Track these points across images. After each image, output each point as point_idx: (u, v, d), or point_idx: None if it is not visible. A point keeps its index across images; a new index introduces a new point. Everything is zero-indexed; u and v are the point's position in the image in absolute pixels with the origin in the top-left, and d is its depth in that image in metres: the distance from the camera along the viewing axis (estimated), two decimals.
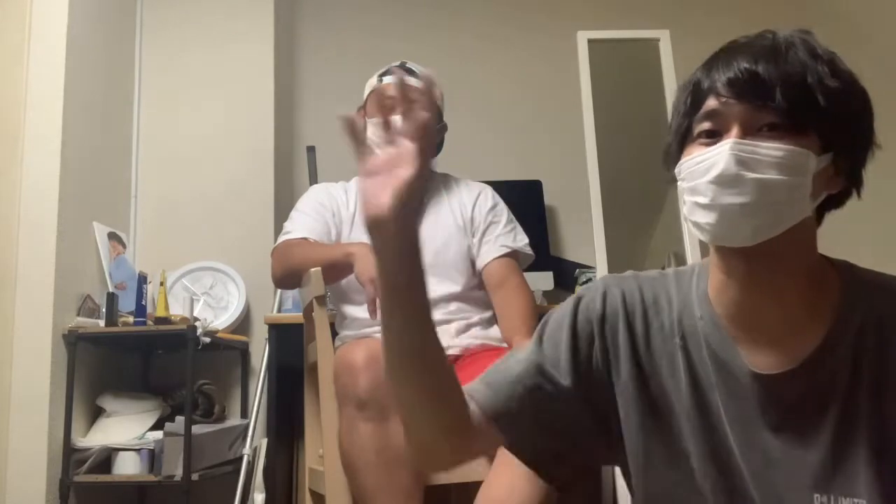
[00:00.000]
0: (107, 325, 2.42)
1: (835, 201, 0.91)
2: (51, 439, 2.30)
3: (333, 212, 2.03)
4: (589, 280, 2.73)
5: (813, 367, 0.87)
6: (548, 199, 2.96)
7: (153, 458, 2.35)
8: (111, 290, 2.53)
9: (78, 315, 2.44)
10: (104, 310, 2.46)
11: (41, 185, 2.40)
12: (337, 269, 1.81)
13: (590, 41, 2.73)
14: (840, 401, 0.86)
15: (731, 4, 3.30)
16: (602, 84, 2.67)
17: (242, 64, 2.98)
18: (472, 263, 2.02)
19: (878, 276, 0.92)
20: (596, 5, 3.28)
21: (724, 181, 0.83)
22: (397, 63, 2.10)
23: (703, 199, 0.85)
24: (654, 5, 3.25)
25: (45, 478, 2.27)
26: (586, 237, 2.75)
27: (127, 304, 2.51)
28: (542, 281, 2.70)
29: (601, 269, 2.52)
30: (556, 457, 0.98)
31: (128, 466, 2.35)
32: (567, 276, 2.88)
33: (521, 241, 2.06)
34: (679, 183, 0.90)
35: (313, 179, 2.79)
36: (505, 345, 1.92)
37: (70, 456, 2.32)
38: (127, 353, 2.74)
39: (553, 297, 2.83)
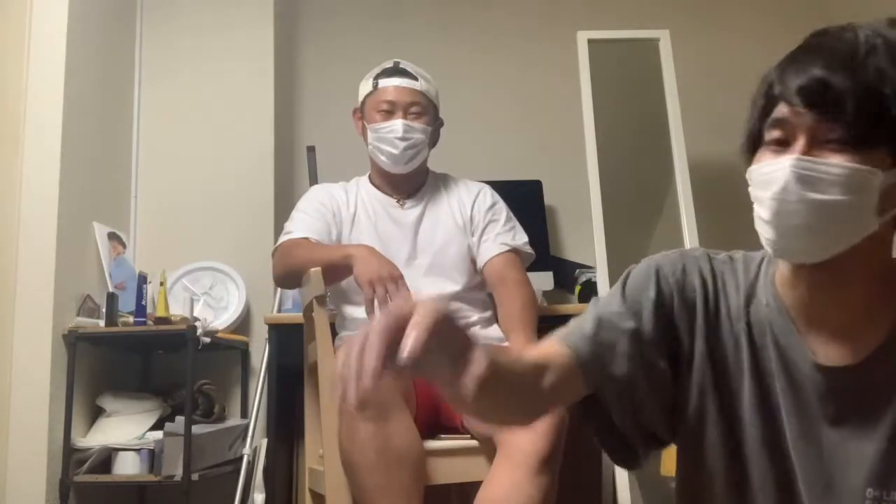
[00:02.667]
0: (107, 325, 2.42)
1: None
2: (51, 439, 2.29)
3: (334, 212, 2.04)
4: (589, 280, 2.73)
5: (875, 364, 0.87)
6: (548, 199, 2.96)
7: (153, 458, 2.35)
8: (111, 290, 2.53)
9: (78, 315, 2.44)
10: (104, 310, 2.46)
11: (41, 185, 2.40)
12: (336, 271, 1.81)
13: (590, 41, 2.73)
14: None
15: (731, 4, 3.30)
16: (602, 84, 2.67)
17: (242, 64, 2.98)
18: (473, 263, 2.02)
19: None
20: (596, 5, 3.27)
21: (783, 199, 0.81)
22: (390, 64, 2.09)
23: (764, 214, 0.83)
24: (654, 5, 3.25)
25: (45, 478, 2.27)
26: (586, 237, 2.75)
27: (127, 304, 2.50)
28: (542, 281, 2.70)
29: (601, 269, 2.52)
30: (631, 418, 0.95)
31: (128, 466, 2.35)
32: (567, 276, 2.88)
33: (521, 239, 2.06)
34: (749, 188, 0.88)
35: (313, 179, 2.79)
36: (505, 344, 1.92)
37: (70, 456, 2.32)
38: (127, 353, 2.74)
39: (553, 298, 2.82)
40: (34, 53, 2.48)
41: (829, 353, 0.89)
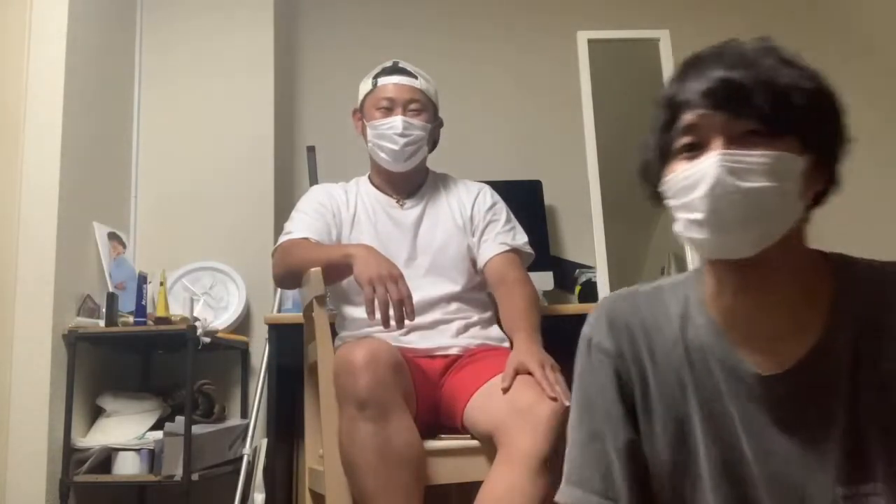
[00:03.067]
0: (107, 325, 2.42)
1: (818, 199, 0.91)
2: (51, 439, 2.29)
3: (334, 212, 2.04)
4: (589, 280, 2.73)
5: (815, 363, 0.87)
6: (548, 199, 2.96)
7: (153, 458, 2.35)
8: (111, 290, 2.53)
9: (78, 315, 2.44)
10: (104, 310, 2.46)
11: (41, 185, 2.40)
12: (336, 270, 1.81)
13: (590, 41, 2.73)
14: (846, 392, 0.86)
15: (730, 4, 3.30)
16: (602, 84, 2.68)
17: (242, 64, 2.98)
18: (473, 263, 2.02)
19: (871, 263, 0.92)
20: (596, 5, 3.28)
21: (715, 194, 0.82)
22: (389, 63, 2.10)
23: (697, 215, 0.84)
24: (654, 5, 3.25)
25: (45, 478, 2.27)
26: (586, 237, 2.75)
27: (127, 304, 2.50)
28: (542, 281, 2.70)
29: (601, 269, 2.52)
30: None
31: (128, 466, 2.35)
32: (567, 276, 2.88)
33: (521, 239, 2.06)
34: (667, 201, 0.89)
35: (313, 179, 2.79)
36: (505, 344, 1.92)
37: (70, 456, 2.32)
38: (127, 353, 2.74)
39: (553, 298, 2.82)
40: (34, 53, 2.48)
41: (768, 361, 0.89)
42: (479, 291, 2.03)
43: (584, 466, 0.97)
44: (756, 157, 0.82)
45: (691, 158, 0.85)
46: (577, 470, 0.98)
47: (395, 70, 2.07)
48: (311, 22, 3.31)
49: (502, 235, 2.03)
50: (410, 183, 2.10)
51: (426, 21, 3.30)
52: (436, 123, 2.11)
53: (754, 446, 0.89)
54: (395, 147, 2.00)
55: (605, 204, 2.55)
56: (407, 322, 1.70)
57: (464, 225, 2.04)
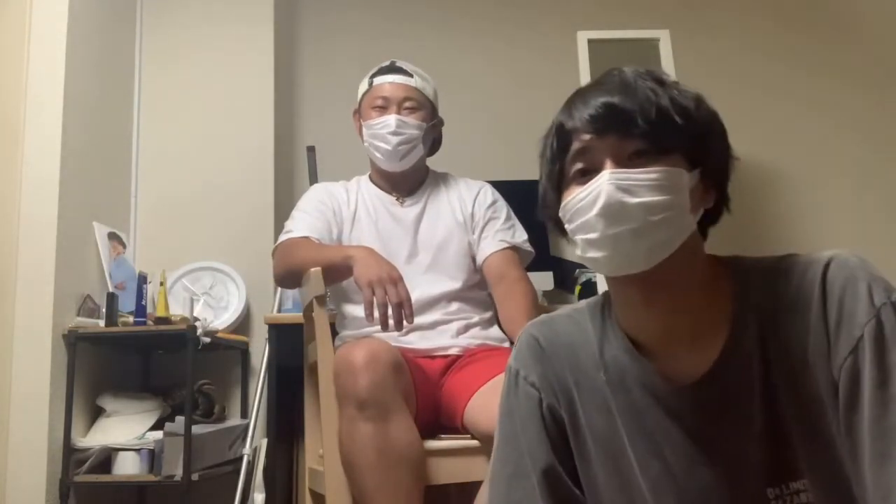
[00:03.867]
0: (107, 325, 2.42)
1: (711, 217, 0.94)
2: (51, 439, 2.29)
3: (334, 210, 2.04)
4: (589, 280, 2.73)
5: (725, 367, 0.89)
6: None
7: (153, 458, 2.35)
8: (111, 290, 2.53)
9: (78, 315, 2.44)
10: (104, 310, 2.46)
11: (41, 185, 2.41)
12: (337, 272, 1.81)
13: (590, 41, 2.73)
14: (759, 391, 0.88)
15: (730, 4, 3.30)
16: None
17: (242, 64, 2.98)
18: (473, 261, 2.02)
19: (761, 262, 0.94)
20: (596, 5, 3.28)
21: (609, 211, 0.85)
22: (386, 63, 2.09)
23: (593, 235, 0.87)
24: (654, 5, 3.25)
25: (45, 478, 2.27)
26: None
27: (127, 304, 2.50)
28: (542, 281, 2.70)
29: None
30: None
31: (128, 466, 2.35)
32: (567, 276, 2.88)
33: (521, 237, 2.06)
34: (566, 226, 0.92)
35: (313, 179, 2.79)
36: (505, 344, 1.92)
37: (70, 456, 2.32)
38: (127, 353, 2.74)
39: (553, 298, 2.82)
40: (34, 53, 2.48)
41: (680, 372, 0.91)
42: (479, 290, 2.02)
43: (508, 502, 0.97)
44: (644, 173, 0.85)
45: (584, 182, 0.89)
46: None
47: (391, 69, 2.06)
48: (311, 22, 3.31)
49: (502, 233, 2.02)
50: (410, 182, 2.09)
51: (426, 21, 3.30)
52: (434, 122, 2.09)
53: (679, 461, 0.90)
54: (388, 147, 1.99)
55: None
56: (406, 324, 1.71)
57: (464, 222, 2.04)
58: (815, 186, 3.13)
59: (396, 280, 1.69)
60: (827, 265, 0.87)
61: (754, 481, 0.87)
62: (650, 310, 0.91)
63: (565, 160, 0.91)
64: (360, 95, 2.10)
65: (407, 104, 2.02)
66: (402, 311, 1.67)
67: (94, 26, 2.71)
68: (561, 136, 0.92)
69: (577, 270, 2.85)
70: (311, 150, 2.88)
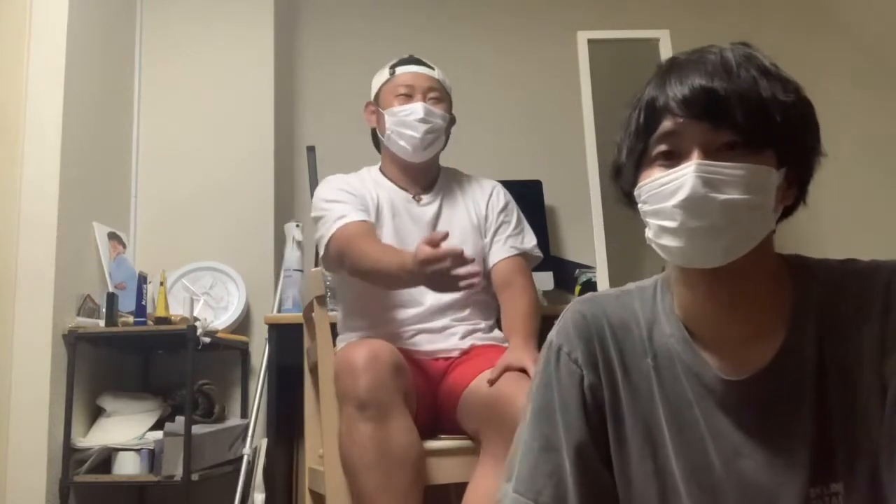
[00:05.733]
0: (107, 325, 2.42)
1: (786, 212, 0.91)
2: (51, 439, 2.29)
3: (361, 200, 1.96)
4: (589, 280, 2.73)
5: (780, 365, 0.88)
6: (548, 199, 2.96)
7: (153, 458, 2.35)
8: (111, 290, 2.53)
9: (78, 315, 2.44)
10: (104, 310, 2.46)
11: (41, 185, 2.40)
12: (398, 282, 1.76)
13: (590, 41, 2.72)
14: (812, 392, 0.87)
15: (730, 5, 3.30)
16: (602, 84, 2.67)
17: (242, 64, 2.98)
18: (484, 262, 2.00)
19: (828, 262, 0.92)
20: (596, 5, 3.27)
21: (691, 204, 0.82)
22: (406, 55, 2.08)
23: (670, 224, 0.84)
24: (654, 5, 3.25)
25: (45, 478, 2.27)
26: (586, 237, 2.74)
27: (127, 304, 2.50)
28: (543, 281, 2.70)
29: (601, 269, 2.51)
30: None
31: (128, 466, 2.35)
32: (567, 276, 2.88)
33: (530, 242, 2.04)
34: (640, 206, 0.89)
35: (313, 179, 2.79)
36: (505, 344, 1.92)
37: (70, 456, 2.32)
38: (127, 353, 2.74)
39: (553, 298, 2.82)
40: (34, 53, 2.48)
41: (734, 366, 0.89)
42: (486, 293, 2.01)
43: (536, 475, 0.95)
44: (733, 169, 0.82)
45: (668, 166, 0.85)
46: (528, 477, 0.95)
47: (412, 60, 2.05)
48: (311, 22, 3.31)
49: (512, 239, 2.01)
50: (426, 176, 2.05)
51: (426, 21, 3.30)
52: (451, 116, 2.07)
53: (722, 453, 0.89)
54: (417, 134, 1.94)
55: (605, 204, 2.55)
56: (417, 327, 1.76)
57: (479, 224, 2.02)
58: (814, 187, 3.13)
59: (445, 270, 1.58)
60: (892, 274, 0.86)
61: (797, 479, 0.86)
62: (714, 303, 0.89)
63: (650, 139, 0.87)
64: (377, 85, 2.06)
65: (431, 94, 1.99)
66: (470, 272, 1.60)
67: (95, 26, 2.71)
68: (650, 113, 0.87)
69: (577, 270, 2.85)
70: (311, 150, 2.87)
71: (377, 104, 2.06)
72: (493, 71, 3.25)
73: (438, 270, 1.56)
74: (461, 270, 1.56)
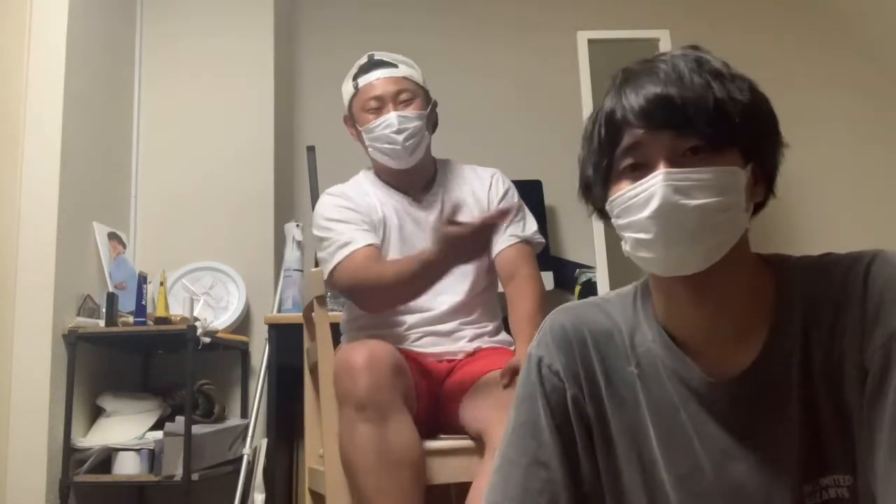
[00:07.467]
0: (107, 325, 2.42)
1: (756, 208, 0.91)
2: (51, 439, 2.29)
3: (363, 216, 1.91)
4: (589, 280, 2.73)
5: (765, 363, 0.88)
6: (548, 199, 2.96)
7: (153, 458, 2.35)
8: (111, 290, 2.53)
9: (78, 315, 2.44)
10: (104, 310, 2.46)
11: (41, 185, 2.40)
12: (427, 273, 1.70)
13: (590, 41, 2.73)
14: (799, 387, 0.87)
15: (730, 5, 3.30)
16: (602, 84, 2.67)
17: (242, 64, 2.98)
18: (490, 261, 1.98)
19: (803, 259, 0.92)
20: (596, 5, 3.28)
21: (664, 213, 0.82)
22: (364, 59, 1.99)
23: (645, 236, 0.84)
24: (654, 5, 3.25)
25: (45, 478, 2.27)
26: (586, 237, 2.75)
27: (127, 304, 2.50)
28: (543, 281, 2.69)
29: (601, 269, 2.52)
30: None
31: (128, 466, 2.35)
32: (567, 276, 2.88)
33: (531, 228, 2.00)
34: (613, 220, 0.89)
35: (313, 179, 2.79)
36: (512, 348, 1.91)
37: (70, 456, 2.32)
38: (127, 353, 2.74)
39: (553, 298, 2.82)
40: (34, 53, 2.48)
41: (718, 367, 0.89)
42: (490, 291, 1.99)
43: (526, 493, 0.94)
44: (700, 173, 0.82)
45: (636, 178, 0.85)
46: (519, 495, 0.95)
47: (373, 65, 1.95)
48: (311, 22, 3.31)
49: (513, 227, 1.96)
50: (421, 176, 1.99)
51: (426, 21, 3.30)
52: (430, 105, 1.98)
53: (712, 457, 0.89)
54: (397, 146, 1.88)
55: None
56: (425, 329, 1.76)
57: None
58: (814, 187, 3.13)
59: (465, 236, 1.57)
60: (871, 262, 0.86)
61: (790, 478, 0.86)
62: (697, 308, 0.89)
63: (615, 153, 0.87)
64: (347, 98, 2.00)
65: (402, 97, 1.90)
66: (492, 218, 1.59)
67: (94, 26, 2.71)
68: (610, 126, 0.87)
69: (577, 270, 2.85)
70: (311, 150, 2.87)
71: (352, 118, 2.00)
72: (494, 71, 3.25)
73: (462, 234, 1.54)
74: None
